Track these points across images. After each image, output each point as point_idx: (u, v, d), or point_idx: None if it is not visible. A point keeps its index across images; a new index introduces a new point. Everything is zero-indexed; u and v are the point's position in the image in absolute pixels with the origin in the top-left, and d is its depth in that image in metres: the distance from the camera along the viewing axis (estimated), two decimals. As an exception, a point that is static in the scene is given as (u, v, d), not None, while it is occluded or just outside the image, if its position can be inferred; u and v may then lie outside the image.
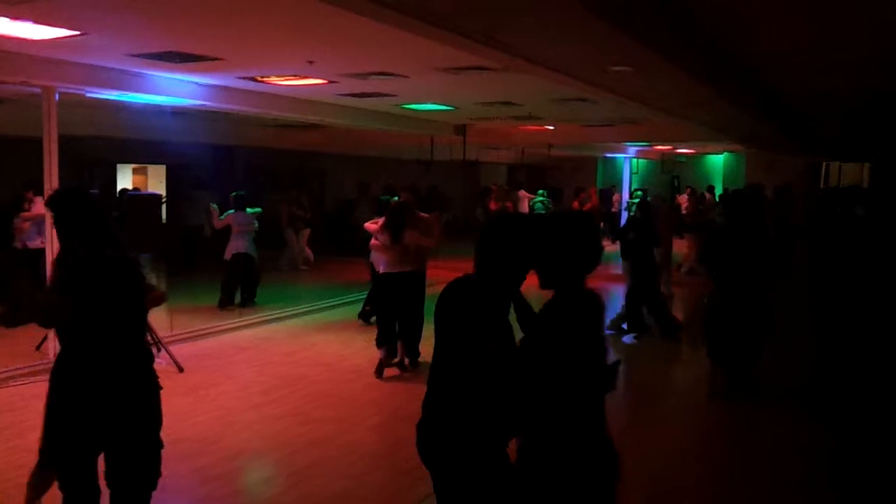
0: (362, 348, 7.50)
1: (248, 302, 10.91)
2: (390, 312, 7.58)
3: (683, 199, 19.42)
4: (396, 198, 10.50)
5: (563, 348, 2.65)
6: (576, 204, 16.37)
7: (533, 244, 2.85)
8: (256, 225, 10.91)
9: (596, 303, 2.83)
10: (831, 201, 16.45)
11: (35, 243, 9.47)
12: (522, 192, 19.75)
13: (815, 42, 7.17)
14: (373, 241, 7.75)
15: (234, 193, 11.18)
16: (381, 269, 7.70)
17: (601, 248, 2.95)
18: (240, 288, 10.92)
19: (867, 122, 15.54)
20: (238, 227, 10.75)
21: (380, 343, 7.49)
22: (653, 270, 9.60)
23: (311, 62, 7.34)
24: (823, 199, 16.26)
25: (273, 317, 10.16)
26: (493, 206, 16.17)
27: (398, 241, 7.32)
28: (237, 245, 10.72)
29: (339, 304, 11.02)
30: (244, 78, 8.45)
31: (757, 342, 6.79)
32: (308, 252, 15.10)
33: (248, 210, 10.91)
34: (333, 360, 8.01)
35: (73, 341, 3.39)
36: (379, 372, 7.35)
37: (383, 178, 17.05)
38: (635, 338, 9.32)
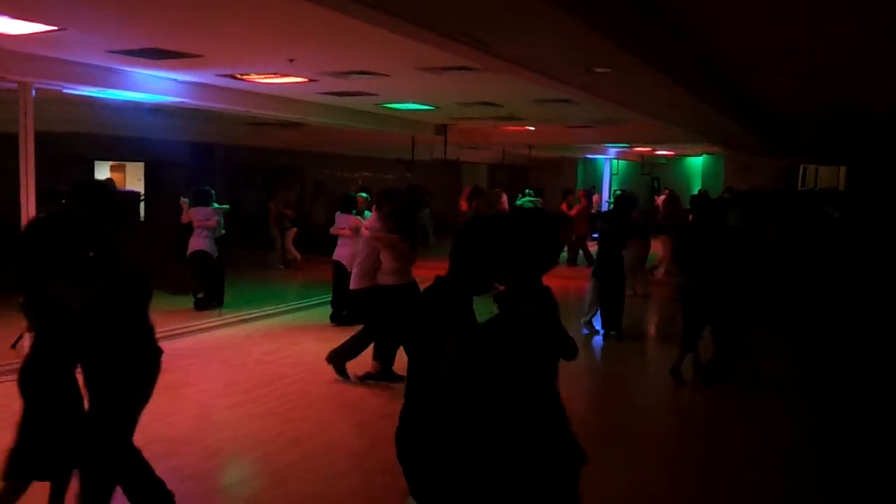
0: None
1: (208, 305, 10.27)
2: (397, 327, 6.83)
3: (661, 201, 19.58)
4: (364, 194, 10.50)
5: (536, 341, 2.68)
6: (564, 206, 16.32)
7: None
8: (217, 221, 10.38)
9: (551, 298, 2.80)
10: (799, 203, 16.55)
11: None
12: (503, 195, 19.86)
13: (792, 46, 7.25)
14: (386, 253, 6.86)
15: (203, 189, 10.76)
16: (390, 281, 6.82)
17: (559, 247, 2.96)
18: (202, 288, 10.33)
19: (843, 126, 15.73)
20: (197, 223, 10.26)
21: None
22: (617, 267, 9.27)
23: (291, 60, 7.33)
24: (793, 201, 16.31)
25: (252, 316, 10.11)
26: (464, 206, 16.13)
27: (415, 247, 6.88)
28: (194, 242, 10.25)
29: (319, 304, 10.97)
30: (224, 75, 8.41)
31: (720, 328, 7.42)
32: (294, 252, 15.02)
33: (215, 206, 10.48)
34: (313, 359, 7.98)
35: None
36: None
37: (370, 178, 17.04)
38: (606, 336, 9.25)
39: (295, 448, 5.48)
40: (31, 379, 3.52)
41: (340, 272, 9.40)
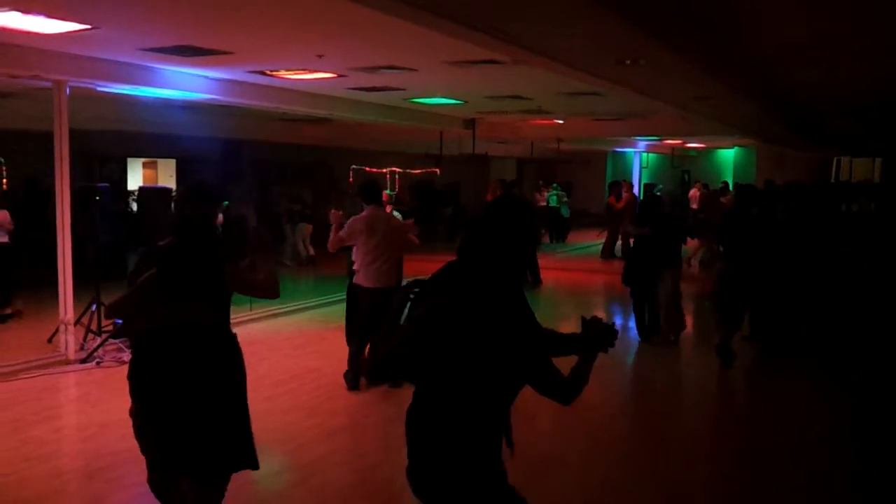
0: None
1: None
2: None
3: (694, 194, 19.36)
4: (389, 191, 10.44)
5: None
6: (612, 199, 16.21)
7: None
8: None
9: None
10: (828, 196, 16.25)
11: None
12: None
13: (825, 36, 7.13)
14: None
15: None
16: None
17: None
18: None
19: (878, 118, 15.45)
20: None
21: None
22: (647, 274, 8.60)
23: (320, 56, 7.35)
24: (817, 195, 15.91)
25: (283, 310, 10.18)
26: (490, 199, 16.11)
27: None
28: None
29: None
30: (254, 72, 8.46)
31: (759, 309, 7.97)
32: (308, 248, 15.08)
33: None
34: (343, 353, 7.98)
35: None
36: None
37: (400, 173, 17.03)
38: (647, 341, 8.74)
39: (326, 441, 5.52)
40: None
41: None
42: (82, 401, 6.54)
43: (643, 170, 24.77)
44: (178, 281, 3.53)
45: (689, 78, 7.97)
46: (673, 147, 23.51)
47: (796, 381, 7.48)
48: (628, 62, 6.79)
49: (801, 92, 11.80)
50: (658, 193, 12.70)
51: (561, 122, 15.35)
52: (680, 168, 25.99)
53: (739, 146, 23.81)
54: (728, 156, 25.70)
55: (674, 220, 8.89)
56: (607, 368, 7.32)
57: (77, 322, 7.61)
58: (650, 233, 8.58)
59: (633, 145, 22.15)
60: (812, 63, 8.62)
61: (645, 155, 24.60)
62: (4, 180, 12.80)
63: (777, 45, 7.70)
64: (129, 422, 3.76)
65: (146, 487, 3.87)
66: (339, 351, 8.14)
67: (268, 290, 3.84)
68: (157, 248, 3.84)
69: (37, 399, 6.32)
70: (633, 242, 9.21)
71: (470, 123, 14.92)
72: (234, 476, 4.89)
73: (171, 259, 3.61)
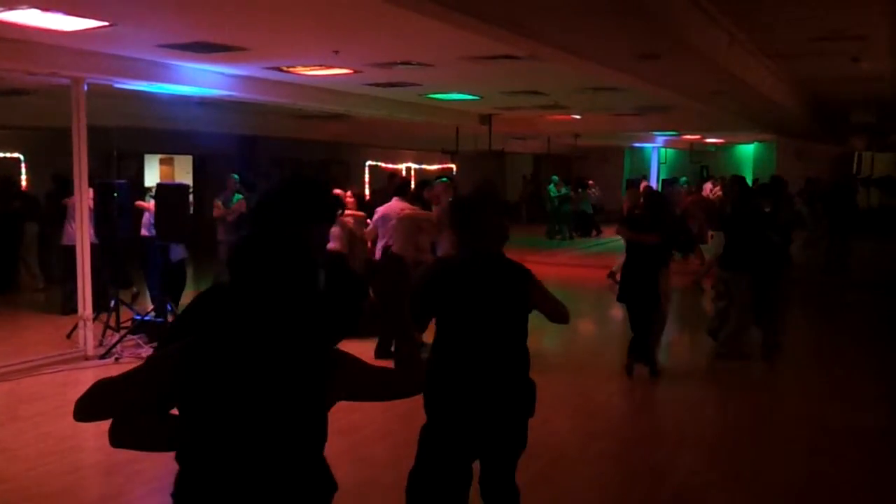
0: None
1: None
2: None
3: (708, 188, 19.36)
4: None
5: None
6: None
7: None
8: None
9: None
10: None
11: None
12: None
13: (847, 28, 7.04)
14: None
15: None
16: None
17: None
18: None
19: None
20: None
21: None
22: (648, 285, 6.92)
23: (336, 52, 7.34)
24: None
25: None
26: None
27: None
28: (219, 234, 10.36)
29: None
30: (270, 68, 8.47)
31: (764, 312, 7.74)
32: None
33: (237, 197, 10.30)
34: (359, 353, 7.99)
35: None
36: None
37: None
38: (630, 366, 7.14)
39: (343, 437, 5.48)
40: None
41: None
42: (101, 396, 6.57)
43: (661, 165, 24.60)
44: (224, 369, 1.92)
45: (708, 71, 7.88)
46: (692, 142, 23.33)
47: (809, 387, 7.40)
48: (647, 57, 6.73)
49: (823, 85, 11.66)
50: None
51: (578, 117, 15.27)
52: (699, 163, 25.80)
53: (759, 141, 23.58)
54: (748, 151, 25.46)
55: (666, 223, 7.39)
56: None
57: (96, 318, 7.65)
58: (637, 239, 7.01)
59: (651, 140, 22.01)
60: (835, 55, 8.51)
61: (663, 150, 24.43)
62: (24, 177, 12.95)
63: (796, 37, 7.60)
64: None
65: (164, 482, 3.87)
66: (355, 349, 8.11)
67: (404, 390, 2.31)
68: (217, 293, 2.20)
69: (57, 394, 6.36)
70: (626, 252, 7.41)
71: (486, 119, 14.87)
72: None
73: (223, 325, 1.97)
